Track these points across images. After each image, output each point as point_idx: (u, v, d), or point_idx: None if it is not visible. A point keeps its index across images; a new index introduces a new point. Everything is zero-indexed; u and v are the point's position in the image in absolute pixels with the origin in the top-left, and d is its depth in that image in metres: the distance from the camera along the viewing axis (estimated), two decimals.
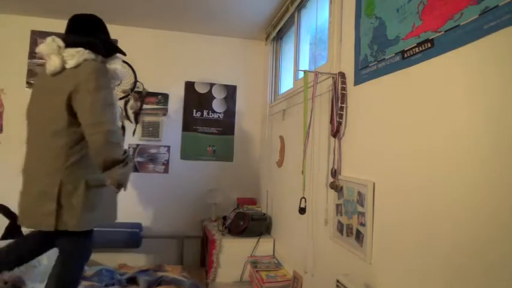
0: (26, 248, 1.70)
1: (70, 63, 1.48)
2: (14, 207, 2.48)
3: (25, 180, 1.61)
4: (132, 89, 2.94)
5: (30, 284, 2.01)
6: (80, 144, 1.51)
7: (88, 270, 2.34)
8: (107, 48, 1.63)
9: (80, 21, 1.62)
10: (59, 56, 1.48)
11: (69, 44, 1.52)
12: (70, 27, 1.61)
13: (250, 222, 2.50)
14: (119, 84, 1.77)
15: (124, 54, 1.74)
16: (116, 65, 1.64)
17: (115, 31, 2.98)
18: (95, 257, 2.80)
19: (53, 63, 1.48)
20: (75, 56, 1.48)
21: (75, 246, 1.59)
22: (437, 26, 0.97)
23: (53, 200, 1.45)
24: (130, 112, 2.96)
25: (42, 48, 1.52)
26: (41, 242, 1.70)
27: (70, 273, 1.59)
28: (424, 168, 1.01)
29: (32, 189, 1.53)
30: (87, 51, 1.51)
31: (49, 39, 1.52)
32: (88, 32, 1.59)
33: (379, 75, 1.26)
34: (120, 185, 1.51)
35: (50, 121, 1.51)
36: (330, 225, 1.59)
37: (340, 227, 1.49)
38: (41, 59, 2.85)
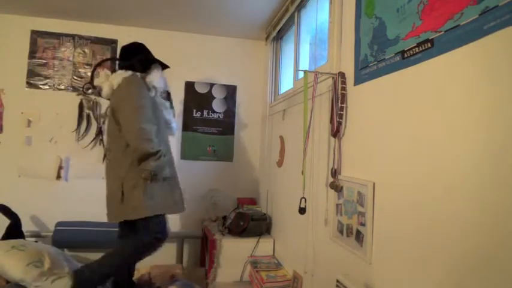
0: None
1: (115, 84, 1.84)
2: (14, 207, 2.49)
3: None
4: None
5: (34, 283, 2.01)
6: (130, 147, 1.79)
7: None
8: (143, 65, 1.94)
9: (123, 49, 2.00)
10: (107, 83, 1.87)
11: (117, 70, 1.92)
12: (119, 56, 2.00)
13: (250, 222, 2.50)
14: (165, 93, 2.08)
15: (164, 66, 2.05)
16: (152, 77, 1.93)
17: (115, 31, 2.99)
18: (95, 257, 2.81)
19: (104, 91, 1.88)
20: (116, 78, 1.85)
21: (135, 233, 1.88)
22: (437, 26, 0.97)
23: (118, 195, 1.78)
24: None
25: (96, 81, 1.94)
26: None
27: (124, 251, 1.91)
28: (424, 168, 1.01)
29: (107, 187, 1.92)
30: (124, 71, 1.87)
31: (101, 73, 1.94)
32: (129, 56, 1.95)
33: (379, 75, 1.26)
34: (155, 175, 1.75)
35: (111, 132, 1.90)
36: (330, 225, 1.59)
37: (340, 227, 1.49)
38: (41, 59, 2.86)
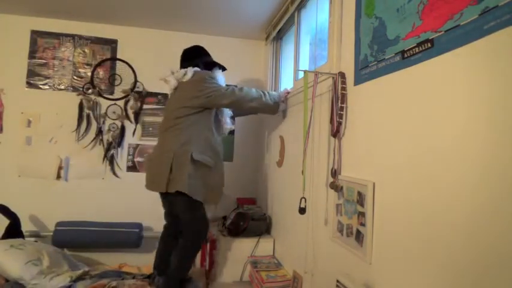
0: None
1: (186, 78, 2.08)
2: (14, 207, 2.49)
3: None
4: (132, 89, 2.95)
5: (32, 281, 2.01)
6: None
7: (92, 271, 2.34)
8: (206, 66, 2.22)
9: (186, 51, 2.25)
10: (173, 77, 2.13)
11: (183, 68, 2.15)
12: (183, 57, 2.24)
13: (250, 222, 2.50)
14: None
15: (223, 68, 2.29)
16: (215, 75, 2.17)
17: (115, 31, 2.99)
18: (95, 256, 2.82)
19: (172, 84, 2.12)
20: (188, 73, 2.08)
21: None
22: (437, 26, 0.97)
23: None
24: (130, 112, 2.96)
25: (161, 77, 2.21)
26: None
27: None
28: (424, 168, 1.01)
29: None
30: (193, 67, 2.12)
31: (168, 71, 2.19)
32: (192, 58, 2.20)
33: (379, 75, 1.26)
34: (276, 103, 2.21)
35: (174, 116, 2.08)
36: (330, 225, 1.59)
37: (340, 227, 1.49)
38: (41, 59, 2.86)
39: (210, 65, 2.24)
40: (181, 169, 1.92)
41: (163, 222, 2.24)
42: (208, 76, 2.08)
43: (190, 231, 2.02)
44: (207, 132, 2.07)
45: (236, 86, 2.15)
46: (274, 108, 2.21)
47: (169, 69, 2.18)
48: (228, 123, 2.28)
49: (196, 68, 2.12)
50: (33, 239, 2.54)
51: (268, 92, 2.21)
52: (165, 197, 2.10)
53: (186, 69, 2.10)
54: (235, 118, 2.62)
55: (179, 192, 1.91)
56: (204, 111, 2.06)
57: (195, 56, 2.21)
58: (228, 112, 2.29)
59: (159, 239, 2.23)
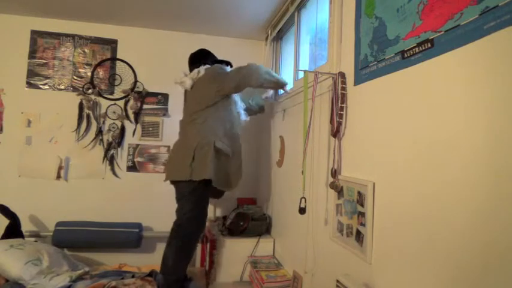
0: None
1: (200, 75, 2.22)
2: (14, 207, 2.49)
3: None
4: (132, 89, 2.95)
5: (32, 281, 2.01)
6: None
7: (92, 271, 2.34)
8: (215, 63, 2.35)
9: (193, 55, 2.42)
10: (188, 77, 2.25)
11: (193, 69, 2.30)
12: (191, 61, 2.40)
13: (250, 222, 2.50)
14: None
15: (231, 65, 2.42)
16: None
17: (115, 31, 2.99)
18: (95, 257, 2.82)
19: (188, 84, 2.23)
20: (200, 71, 2.23)
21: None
22: (437, 26, 0.97)
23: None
24: (130, 112, 2.96)
25: (176, 80, 2.30)
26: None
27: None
28: (424, 168, 1.01)
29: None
30: (204, 66, 2.28)
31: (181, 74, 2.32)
32: (200, 60, 2.35)
33: (379, 75, 1.26)
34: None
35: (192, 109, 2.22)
36: (330, 225, 1.59)
37: (340, 227, 1.49)
38: (41, 59, 2.86)
39: (218, 62, 2.38)
40: (205, 158, 2.03)
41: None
42: (218, 68, 2.25)
43: (189, 223, 2.06)
44: (226, 122, 2.20)
45: None
46: (283, 83, 2.23)
47: (182, 71, 2.32)
48: (242, 115, 2.40)
49: (207, 66, 2.28)
50: (33, 239, 2.54)
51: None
52: (179, 185, 2.14)
53: (198, 68, 2.25)
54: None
55: (191, 181, 2.01)
56: (221, 101, 2.18)
57: (203, 57, 2.36)
58: (240, 105, 2.42)
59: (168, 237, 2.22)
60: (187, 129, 2.19)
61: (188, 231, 2.07)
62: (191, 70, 2.34)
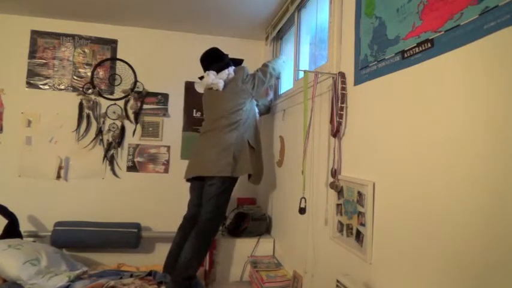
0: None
1: (230, 77, 2.29)
2: (14, 207, 2.49)
3: None
4: (132, 89, 2.95)
5: (30, 281, 2.01)
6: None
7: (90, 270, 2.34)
8: (235, 63, 2.41)
9: (210, 55, 2.36)
10: (218, 79, 2.27)
11: (217, 70, 2.31)
12: (209, 60, 2.35)
13: (250, 222, 2.50)
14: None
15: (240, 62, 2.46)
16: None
17: (115, 31, 2.99)
18: (94, 257, 2.82)
19: (220, 85, 2.26)
20: (230, 72, 2.30)
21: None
22: (437, 26, 0.97)
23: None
24: (130, 112, 2.96)
25: (208, 82, 2.30)
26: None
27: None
28: (424, 168, 1.01)
29: None
30: (228, 68, 2.32)
31: (206, 74, 2.32)
32: (219, 58, 2.35)
33: (379, 75, 1.26)
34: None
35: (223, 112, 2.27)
36: (330, 225, 1.59)
37: (340, 227, 1.49)
38: (41, 59, 2.86)
39: (236, 61, 2.45)
40: (245, 155, 2.19)
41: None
42: (246, 70, 2.35)
43: (210, 220, 2.10)
44: (254, 121, 2.34)
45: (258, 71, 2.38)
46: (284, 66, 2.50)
47: (207, 73, 2.31)
48: (257, 111, 2.49)
49: (233, 67, 2.35)
50: (31, 239, 2.54)
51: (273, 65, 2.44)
52: (204, 181, 2.19)
53: (227, 69, 2.30)
54: None
55: (227, 179, 2.12)
56: (249, 101, 2.30)
57: (222, 56, 2.38)
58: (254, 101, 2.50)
59: (176, 232, 2.25)
60: (220, 128, 2.22)
61: (208, 230, 2.12)
62: (207, 69, 2.34)
